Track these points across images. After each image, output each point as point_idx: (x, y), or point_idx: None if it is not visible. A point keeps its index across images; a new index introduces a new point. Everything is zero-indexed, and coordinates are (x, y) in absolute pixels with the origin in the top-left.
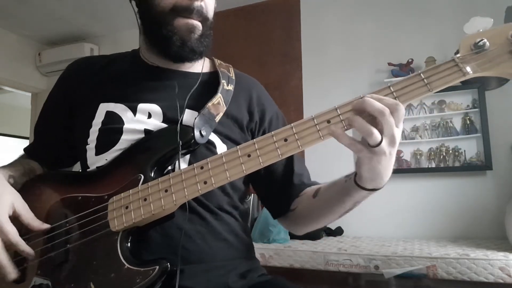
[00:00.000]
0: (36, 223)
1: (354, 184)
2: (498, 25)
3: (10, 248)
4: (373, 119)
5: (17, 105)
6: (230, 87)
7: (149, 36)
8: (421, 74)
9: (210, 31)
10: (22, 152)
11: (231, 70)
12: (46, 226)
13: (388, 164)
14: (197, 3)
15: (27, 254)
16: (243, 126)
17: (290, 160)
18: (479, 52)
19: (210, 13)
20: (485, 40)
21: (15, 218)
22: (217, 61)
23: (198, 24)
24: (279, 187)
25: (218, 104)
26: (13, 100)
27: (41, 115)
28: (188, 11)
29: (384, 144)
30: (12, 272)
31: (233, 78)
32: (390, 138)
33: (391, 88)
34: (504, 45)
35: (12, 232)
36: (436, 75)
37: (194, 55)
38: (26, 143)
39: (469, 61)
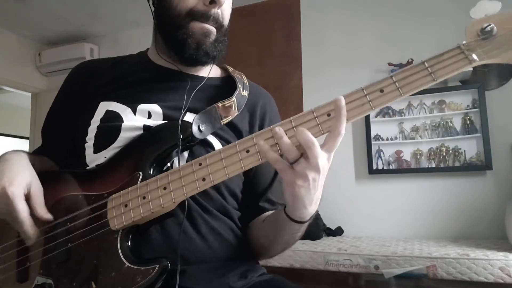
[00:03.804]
0: (42, 210)
1: (285, 215)
2: (507, 9)
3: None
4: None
5: (17, 105)
6: (245, 93)
7: (164, 37)
8: (425, 63)
9: (224, 37)
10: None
11: (244, 77)
12: (49, 216)
13: (310, 191)
14: (213, 10)
15: (28, 237)
16: (243, 137)
17: (271, 182)
18: (486, 38)
19: (226, 20)
20: (493, 25)
21: (27, 199)
22: (230, 68)
23: (212, 29)
24: (249, 204)
25: (230, 108)
26: (13, 100)
27: (48, 118)
28: (205, 17)
29: (305, 165)
30: (33, 237)
31: (247, 85)
32: (313, 161)
33: (393, 78)
34: None
35: (22, 210)
36: (441, 63)
37: (208, 59)
38: (26, 143)
39: (475, 48)
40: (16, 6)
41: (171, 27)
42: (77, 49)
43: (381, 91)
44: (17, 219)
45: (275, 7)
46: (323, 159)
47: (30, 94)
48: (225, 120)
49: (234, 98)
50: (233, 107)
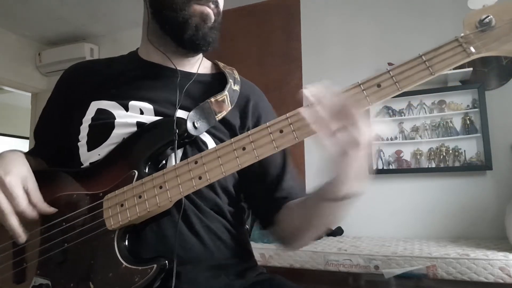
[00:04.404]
0: (44, 205)
1: (324, 192)
2: (506, 0)
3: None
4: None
5: (17, 105)
6: (237, 87)
7: (162, 23)
8: (422, 57)
9: (219, 25)
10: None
11: (235, 72)
12: (52, 209)
13: (350, 165)
14: None
15: (33, 223)
16: (236, 133)
17: (282, 171)
18: (484, 30)
19: (221, 7)
20: (491, 16)
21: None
22: (221, 64)
23: (211, 13)
24: (264, 198)
25: (223, 102)
26: (13, 100)
27: (41, 119)
28: None
29: (345, 134)
30: (22, 235)
31: (239, 79)
32: (351, 136)
33: (390, 72)
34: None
35: (22, 198)
36: (438, 56)
37: (204, 44)
38: (26, 143)
39: (473, 40)
40: (16, 6)
41: (171, 10)
42: (77, 49)
43: (378, 85)
44: (18, 206)
45: (275, 7)
46: (363, 127)
47: (30, 94)
48: (220, 116)
49: (226, 92)
50: (226, 102)
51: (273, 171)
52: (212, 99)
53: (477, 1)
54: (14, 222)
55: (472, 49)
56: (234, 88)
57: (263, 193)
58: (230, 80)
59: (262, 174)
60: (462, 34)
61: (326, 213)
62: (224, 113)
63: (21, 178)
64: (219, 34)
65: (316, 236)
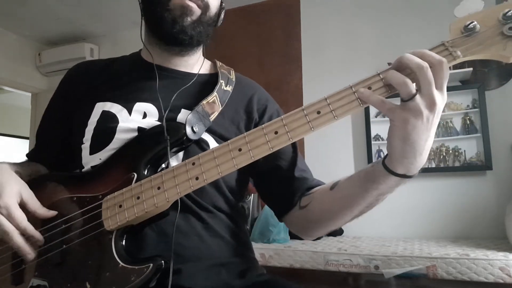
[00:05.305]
0: (43, 211)
1: (382, 168)
2: (489, 7)
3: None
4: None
5: (17, 105)
6: (229, 88)
7: (147, 20)
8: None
9: (210, 21)
10: (24, 158)
11: (232, 72)
12: (52, 212)
13: (423, 133)
14: None
15: (36, 239)
16: (240, 127)
17: (294, 156)
18: (469, 35)
19: (213, 2)
20: (475, 22)
21: (21, 207)
22: (219, 63)
23: (194, 7)
24: (281, 182)
25: (213, 103)
26: (13, 100)
27: (43, 120)
28: None
29: (419, 100)
30: (30, 253)
31: (233, 80)
32: (427, 97)
33: (380, 75)
34: (495, 27)
35: (21, 218)
36: None
37: (185, 37)
38: (26, 143)
39: (459, 44)
40: (16, 6)
41: (153, 6)
42: (77, 49)
43: (369, 88)
44: (19, 227)
45: (275, 7)
46: (437, 93)
47: (30, 94)
48: (212, 116)
49: (215, 93)
50: (216, 102)
51: (285, 163)
52: (204, 102)
53: (462, 10)
54: (19, 240)
55: (458, 53)
56: (225, 89)
57: (281, 178)
58: (221, 81)
59: (275, 167)
60: (449, 39)
61: (374, 190)
62: (216, 114)
63: (16, 195)
64: (211, 30)
65: (350, 219)
